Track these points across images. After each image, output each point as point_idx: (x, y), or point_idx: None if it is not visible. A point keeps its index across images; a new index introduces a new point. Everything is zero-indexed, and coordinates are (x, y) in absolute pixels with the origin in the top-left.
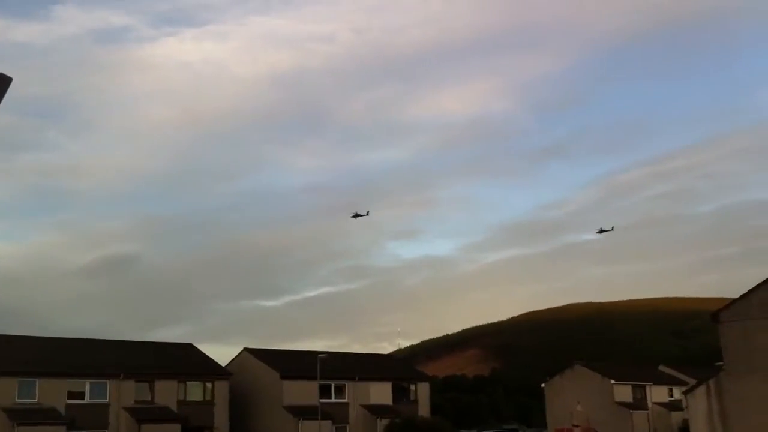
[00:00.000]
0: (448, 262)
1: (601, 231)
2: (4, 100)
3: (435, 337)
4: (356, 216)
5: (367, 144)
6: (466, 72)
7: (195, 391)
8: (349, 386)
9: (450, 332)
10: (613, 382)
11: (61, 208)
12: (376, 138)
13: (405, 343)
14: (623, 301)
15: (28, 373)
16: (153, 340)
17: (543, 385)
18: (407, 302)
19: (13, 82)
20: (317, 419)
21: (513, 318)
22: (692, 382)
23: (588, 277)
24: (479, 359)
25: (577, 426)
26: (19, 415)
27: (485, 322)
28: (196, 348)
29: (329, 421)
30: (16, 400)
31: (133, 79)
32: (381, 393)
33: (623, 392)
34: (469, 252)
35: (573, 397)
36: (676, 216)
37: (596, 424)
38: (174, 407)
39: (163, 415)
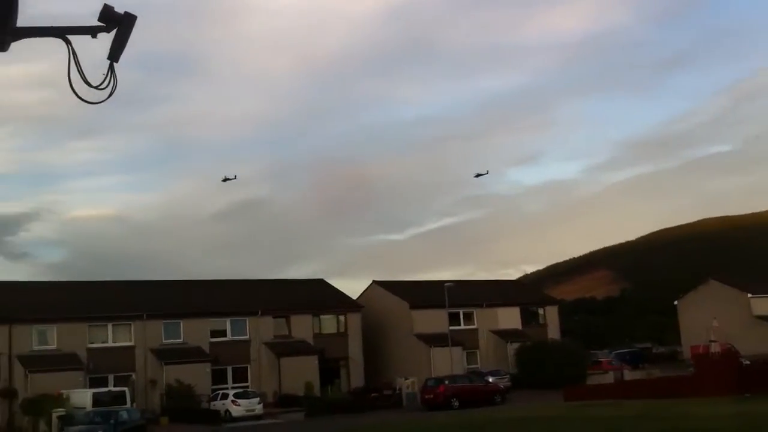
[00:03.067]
0: (571, 184)
1: (478, 175)
2: (135, 56)
3: (561, 261)
4: (225, 180)
5: (480, 70)
6: None
7: (329, 324)
8: (477, 312)
9: (576, 255)
10: (750, 295)
11: (192, 158)
12: (489, 63)
13: (531, 269)
14: (759, 212)
15: (173, 315)
16: (286, 278)
17: (676, 302)
18: (531, 228)
19: (139, 41)
20: (448, 346)
21: (642, 237)
22: None
23: (721, 191)
24: (608, 280)
25: (714, 341)
26: (167, 354)
27: (613, 243)
28: (327, 283)
29: (459, 347)
30: (163, 341)
31: (250, 27)
32: (509, 318)
33: (762, 305)
34: (592, 173)
35: (708, 313)
36: None
37: (734, 340)
38: (310, 340)
39: (300, 348)
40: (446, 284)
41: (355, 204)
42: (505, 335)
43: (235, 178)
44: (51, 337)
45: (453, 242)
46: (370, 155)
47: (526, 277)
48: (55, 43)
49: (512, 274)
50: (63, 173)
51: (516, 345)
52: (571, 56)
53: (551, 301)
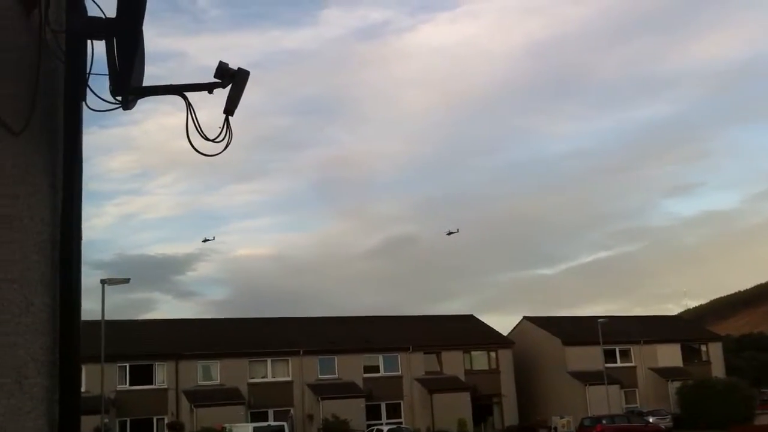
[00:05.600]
0: (733, 215)
1: (450, 233)
2: (288, 102)
3: (725, 295)
4: (205, 240)
5: (627, 101)
6: (729, 14)
7: (480, 360)
8: (634, 349)
9: (742, 289)
10: None
11: (342, 198)
12: (636, 94)
13: (692, 304)
14: None
15: (328, 351)
16: (436, 314)
17: None
18: (691, 261)
19: (290, 86)
20: (603, 384)
21: None
22: None
23: None
24: None
25: None
26: (323, 389)
27: None
28: (478, 319)
29: (617, 386)
30: (319, 376)
31: (396, 69)
32: (669, 355)
33: None
34: (756, 202)
35: None
36: None
37: None
38: (461, 376)
39: (452, 385)
40: (599, 320)
41: (505, 240)
42: (666, 373)
43: (214, 239)
44: (215, 372)
45: (607, 276)
46: (517, 190)
47: (687, 312)
48: (217, 99)
49: (672, 309)
50: (225, 215)
51: (677, 383)
52: (723, 84)
53: (714, 337)
